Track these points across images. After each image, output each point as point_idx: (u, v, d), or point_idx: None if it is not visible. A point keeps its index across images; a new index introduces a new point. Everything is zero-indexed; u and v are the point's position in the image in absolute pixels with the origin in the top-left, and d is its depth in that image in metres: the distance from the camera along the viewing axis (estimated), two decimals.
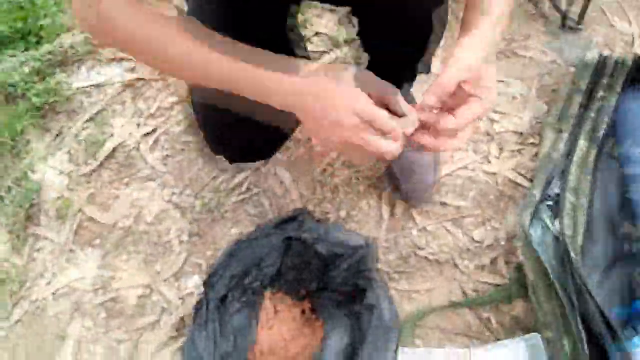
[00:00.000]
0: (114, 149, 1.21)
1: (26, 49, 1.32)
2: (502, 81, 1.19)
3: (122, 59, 1.34)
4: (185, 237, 1.10)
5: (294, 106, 0.62)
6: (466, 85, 0.62)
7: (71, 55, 1.33)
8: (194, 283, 1.05)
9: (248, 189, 1.14)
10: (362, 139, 0.60)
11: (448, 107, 0.63)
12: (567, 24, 1.22)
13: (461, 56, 0.62)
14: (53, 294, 1.07)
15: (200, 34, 0.63)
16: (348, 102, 0.59)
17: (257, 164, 1.16)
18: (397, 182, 1.07)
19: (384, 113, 0.59)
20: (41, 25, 1.33)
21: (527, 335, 0.87)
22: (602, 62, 1.06)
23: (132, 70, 1.32)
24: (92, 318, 1.04)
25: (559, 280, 0.87)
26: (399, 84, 0.93)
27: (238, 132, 0.90)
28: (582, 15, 1.21)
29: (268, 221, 0.97)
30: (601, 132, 1.03)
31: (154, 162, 1.19)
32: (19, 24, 1.33)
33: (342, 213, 1.09)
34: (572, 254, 0.91)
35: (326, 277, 0.95)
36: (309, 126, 0.64)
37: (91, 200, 1.16)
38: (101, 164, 1.20)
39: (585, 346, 0.81)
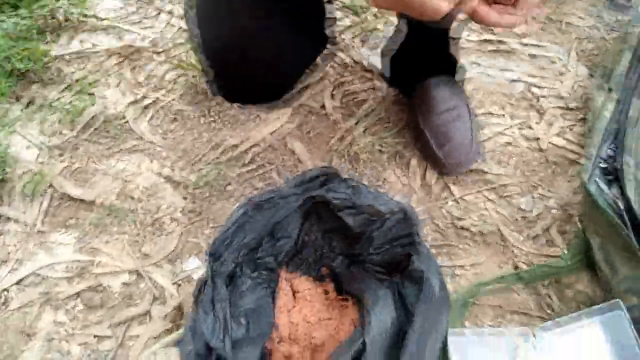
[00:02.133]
0: (94, 118, 1.04)
1: (2, 12, 1.16)
2: (541, 45, 1.08)
3: (109, 27, 1.19)
4: (178, 215, 0.93)
5: None
6: None
7: (51, 23, 1.18)
8: (191, 266, 0.87)
9: (253, 160, 0.98)
10: None
11: None
12: (617, 3, 1.13)
13: None
14: (17, 283, 0.87)
15: None
16: None
17: (264, 132, 1.01)
18: (429, 148, 0.93)
19: None
20: None
21: (602, 305, 0.71)
22: None
23: (121, 38, 1.17)
24: (66, 311, 0.84)
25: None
26: None
27: (248, 69, 0.77)
28: None
29: (286, 180, 0.81)
30: None
31: (142, 131, 1.03)
32: None
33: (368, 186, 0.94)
34: None
35: (354, 249, 0.79)
36: None
37: (65, 174, 0.98)
38: (78, 135, 1.03)
39: None
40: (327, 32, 0.98)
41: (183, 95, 1.07)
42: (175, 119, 1.05)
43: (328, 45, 1.03)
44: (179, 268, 0.87)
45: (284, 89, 0.93)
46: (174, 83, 1.09)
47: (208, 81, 0.98)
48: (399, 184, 0.94)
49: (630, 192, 0.83)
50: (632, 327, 0.69)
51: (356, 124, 1.01)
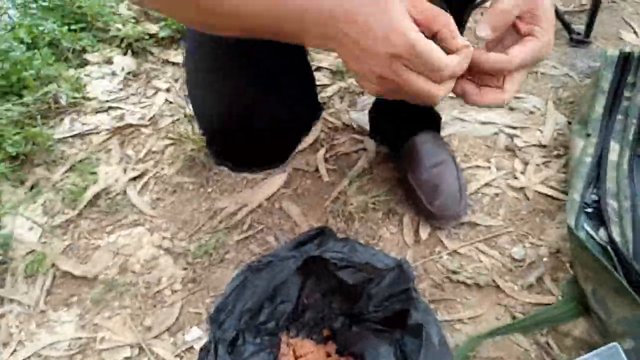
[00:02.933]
0: (96, 196, 1.08)
1: (8, 101, 1.23)
2: (518, 97, 1.13)
3: (109, 108, 1.25)
4: (178, 286, 0.95)
5: (328, 23, 0.49)
6: (521, 24, 0.54)
7: (55, 108, 1.25)
8: (193, 336, 0.88)
9: (251, 226, 1.01)
10: (400, 76, 0.48)
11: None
12: (575, 38, 1.20)
13: None
14: None
15: None
16: (389, 24, 0.47)
17: (260, 197, 1.04)
18: (421, 204, 0.96)
19: (433, 47, 0.48)
20: (24, 77, 1.24)
21: (600, 349, 0.72)
22: (624, 58, 1.02)
23: (121, 118, 1.23)
24: None
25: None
26: None
27: (247, 135, 0.80)
28: (589, 28, 1.20)
29: (284, 243, 0.83)
30: (631, 134, 0.96)
31: (142, 206, 1.06)
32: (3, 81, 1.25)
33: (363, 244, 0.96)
34: (632, 261, 0.80)
35: (354, 308, 0.80)
36: (343, 51, 0.51)
37: (67, 253, 1.01)
38: (80, 213, 1.06)
39: None
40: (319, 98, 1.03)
41: (181, 168, 1.11)
42: (174, 191, 1.08)
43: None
44: (181, 340, 0.87)
45: (285, 155, 0.96)
46: (173, 157, 1.13)
47: (209, 151, 1.00)
48: (393, 241, 0.96)
49: (616, 235, 0.85)
50: None
51: (349, 184, 1.04)
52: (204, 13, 0.55)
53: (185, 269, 0.97)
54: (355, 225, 0.99)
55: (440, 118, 1.04)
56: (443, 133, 1.08)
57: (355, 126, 1.15)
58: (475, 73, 0.53)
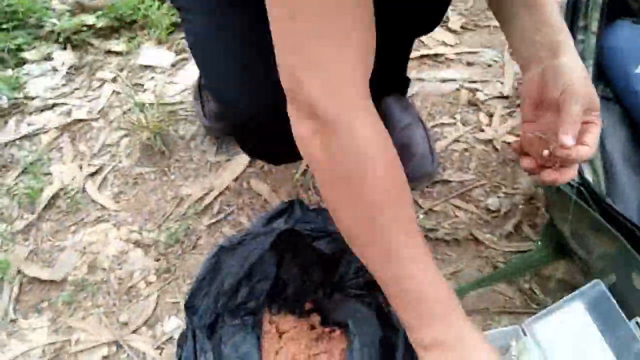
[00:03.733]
0: (54, 197, 1.02)
1: None
2: (474, 52, 1.13)
3: (54, 105, 1.19)
4: (152, 277, 0.91)
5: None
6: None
7: None
8: (172, 326, 0.85)
9: (221, 209, 0.98)
10: None
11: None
12: None
13: (571, 74, 0.59)
14: None
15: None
16: None
17: (227, 179, 1.01)
18: None
19: None
20: None
21: (583, 287, 0.72)
22: (573, 3, 1.02)
23: (68, 113, 1.17)
24: None
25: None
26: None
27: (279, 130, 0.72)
28: None
29: (255, 220, 0.81)
30: (591, 75, 0.97)
31: (104, 201, 1.01)
32: None
33: None
34: (606, 199, 0.80)
35: (334, 277, 0.79)
36: None
37: (31, 257, 0.96)
38: (40, 216, 1.00)
39: None
40: None
41: (140, 157, 1.07)
42: (136, 183, 1.04)
43: None
44: (160, 331, 0.84)
45: None
46: (129, 148, 1.08)
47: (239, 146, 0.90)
48: None
49: (589, 175, 0.85)
50: (615, 302, 0.69)
51: None
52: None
53: (157, 259, 0.93)
54: None
55: (408, 80, 1.01)
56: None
57: None
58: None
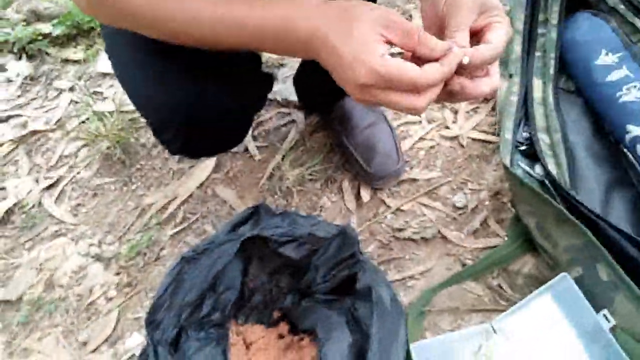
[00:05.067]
0: (9, 212, 0.98)
1: None
2: None
3: (9, 117, 1.14)
4: (113, 292, 0.87)
5: (308, 42, 0.50)
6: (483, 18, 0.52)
7: None
8: (134, 343, 0.82)
9: (185, 218, 0.95)
10: (375, 97, 0.48)
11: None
12: None
13: None
14: None
15: None
16: (354, 51, 0.47)
17: (190, 187, 0.98)
18: (359, 167, 0.92)
19: (400, 67, 0.46)
20: None
21: (551, 282, 0.71)
22: None
23: (24, 125, 1.12)
24: None
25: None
26: None
27: (197, 123, 0.72)
28: None
29: (220, 228, 0.78)
30: (552, 68, 0.97)
31: (62, 214, 0.97)
32: None
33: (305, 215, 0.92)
34: (570, 191, 0.80)
35: (302, 283, 0.76)
36: (325, 65, 0.51)
37: None
38: None
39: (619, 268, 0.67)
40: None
41: (100, 168, 1.03)
42: (95, 194, 1.00)
43: None
44: (121, 349, 0.81)
45: (242, 135, 0.89)
46: (88, 158, 1.05)
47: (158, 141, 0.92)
48: (335, 208, 0.92)
49: (552, 167, 0.85)
50: (582, 294, 0.69)
51: (282, 158, 0.99)
52: (184, 24, 0.55)
53: (118, 273, 0.90)
54: (294, 199, 0.94)
55: None
56: None
57: (279, 99, 1.10)
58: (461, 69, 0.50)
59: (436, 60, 0.48)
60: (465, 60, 0.48)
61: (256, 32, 0.53)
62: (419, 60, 0.48)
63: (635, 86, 0.91)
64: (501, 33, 0.51)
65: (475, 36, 0.52)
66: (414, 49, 0.48)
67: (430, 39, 0.48)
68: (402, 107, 0.48)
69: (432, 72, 0.47)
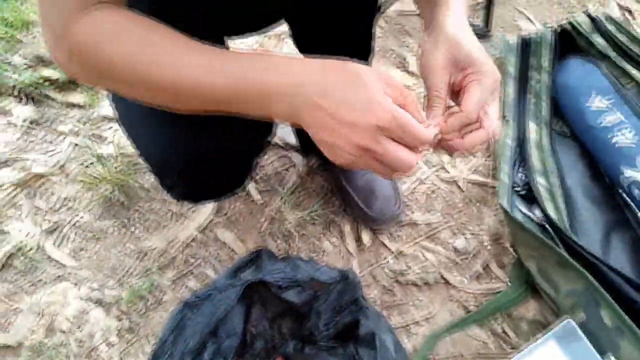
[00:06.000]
0: (10, 257, 0.98)
1: None
2: None
3: (13, 160, 1.15)
4: (114, 338, 0.87)
5: (298, 92, 0.48)
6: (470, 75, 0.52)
7: None
8: None
9: (186, 262, 0.95)
10: (381, 144, 0.47)
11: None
12: (476, 32, 1.23)
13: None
14: None
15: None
16: (371, 97, 0.46)
17: (191, 230, 0.98)
18: (359, 211, 0.93)
19: (413, 119, 0.47)
20: None
21: (555, 327, 0.71)
22: (524, 44, 1.06)
23: (24, 168, 1.13)
24: None
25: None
26: None
27: (199, 169, 0.73)
28: (487, 21, 1.23)
29: (222, 273, 0.78)
30: (545, 112, 0.99)
31: (63, 258, 0.97)
32: None
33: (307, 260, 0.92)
34: (570, 235, 0.81)
35: (304, 329, 0.76)
36: (313, 122, 0.49)
37: None
38: None
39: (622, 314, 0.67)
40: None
41: (100, 211, 1.03)
42: (96, 238, 1.00)
43: None
44: None
45: (242, 179, 0.90)
46: (89, 202, 1.05)
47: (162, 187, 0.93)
48: (337, 252, 0.93)
49: (551, 211, 0.87)
50: (585, 337, 0.69)
51: (283, 202, 1.00)
52: (163, 93, 0.53)
53: (119, 319, 0.89)
54: (296, 242, 0.95)
55: None
56: None
57: (280, 143, 1.12)
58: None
59: None
60: (438, 137, 0.50)
61: (237, 93, 0.51)
62: None
63: (628, 129, 0.94)
64: (475, 98, 0.51)
65: (457, 93, 0.53)
66: (406, 108, 0.48)
67: (419, 111, 0.49)
68: (401, 160, 0.48)
69: (431, 131, 0.49)
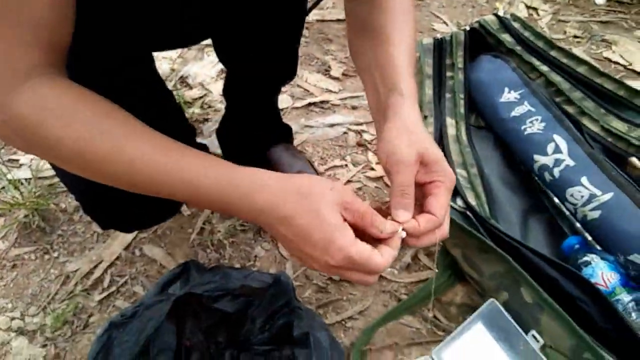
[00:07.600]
0: None
1: None
2: (357, 96, 1.18)
3: None
4: None
5: (264, 222, 0.50)
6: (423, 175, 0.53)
7: None
8: None
9: (112, 281, 0.91)
10: (338, 274, 0.50)
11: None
12: None
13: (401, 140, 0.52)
14: None
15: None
16: (328, 236, 0.47)
17: (116, 249, 0.94)
18: None
19: (369, 254, 0.47)
20: None
21: (480, 309, 0.74)
22: (438, 44, 1.10)
23: None
24: None
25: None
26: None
27: (125, 200, 0.70)
28: None
29: (149, 289, 0.75)
30: (462, 107, 1.04)
31: None
32: None
33: (238, 267, 0.91)
34: (491, 220, 0.84)
35: (240, 336, 0.75)
36: (280, 241, 0.52)
37: None
38: None
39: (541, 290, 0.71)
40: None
41: (17, 238, 0.97)
42: (14, 266, 0.94)
43: None
44: None
45: (175, 208, 0.87)
46: (5, 228, 0.99)
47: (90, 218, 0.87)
48: (270, 257, 0.92)
49: (471, 199, 0.90)
50: (509, 315, 0.72)
51: (212, 212, 0.99)
52: (115, 182, 0.51)
53: (44, 345, 0.84)
54: (227, 251, 0.93)
55: (290, 129, 1.04)
56: (296, 142, 1.08)
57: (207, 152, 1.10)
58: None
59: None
60: (402, 235, 0.51)
61: (209, 194, 0.50)
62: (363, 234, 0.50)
63: (537, 119, 1.00)
64: (443, 201, 0.52)
65: (420, 189, 0.53)
66: (364, 229, 0.49)
67: (380, 222, 0.50)
68: (359, 282, 0.51)
69: (389, 258, 0.49)
